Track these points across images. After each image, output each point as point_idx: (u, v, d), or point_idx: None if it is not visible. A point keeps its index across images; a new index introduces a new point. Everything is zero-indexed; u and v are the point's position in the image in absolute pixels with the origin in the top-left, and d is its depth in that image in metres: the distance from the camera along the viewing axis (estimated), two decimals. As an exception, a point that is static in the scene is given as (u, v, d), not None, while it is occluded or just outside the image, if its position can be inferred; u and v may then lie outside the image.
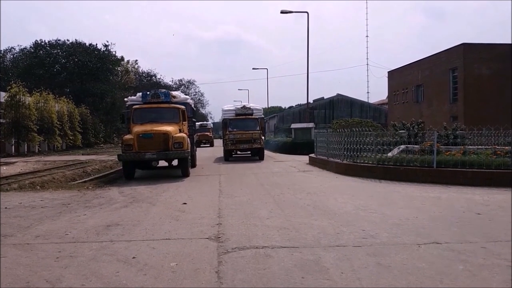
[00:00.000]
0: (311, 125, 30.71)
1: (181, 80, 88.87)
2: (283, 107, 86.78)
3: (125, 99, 16.63)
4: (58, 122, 32.12)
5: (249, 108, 21.32)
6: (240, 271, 4.11)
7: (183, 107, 14.52)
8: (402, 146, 12.37)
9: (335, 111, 52.89)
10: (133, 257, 4.64)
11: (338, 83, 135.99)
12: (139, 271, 4.19)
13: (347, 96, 55.41)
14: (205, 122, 50.72)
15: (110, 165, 18.12)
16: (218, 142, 42.59)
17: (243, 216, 6.82)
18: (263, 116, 23.58)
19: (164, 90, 15.69)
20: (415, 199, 8.20)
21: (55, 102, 33.41)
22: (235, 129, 19.91)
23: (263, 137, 20.63)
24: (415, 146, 12.08)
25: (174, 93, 15.51)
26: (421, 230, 5.59)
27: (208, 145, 41.29)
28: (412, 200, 8.10)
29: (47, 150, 33.43)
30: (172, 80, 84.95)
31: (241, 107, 21.40)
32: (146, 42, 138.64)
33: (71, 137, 34.86)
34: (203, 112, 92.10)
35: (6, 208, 7.92)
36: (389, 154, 11.95)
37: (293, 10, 28.41)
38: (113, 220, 6.72)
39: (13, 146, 29.51)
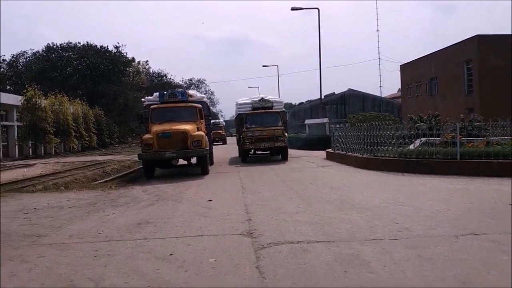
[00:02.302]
0: (325, 120, 30.57)
1: (191, 80, 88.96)
2: (293, 103, 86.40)
3: (142, 99, 16.75)
4: (73, 124, 32.41)
5: (268, 101, 18.40)
6: (280, 266, 4.10)
7: (200, 105, 14.57)
8: (423, 139, 12.26)
9: (346, 106, 52.51)
10: (170, 254, 4.66)
11: (349, 78, 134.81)
12: (179, 268, 4.20)
13: (359, 91, 54.99)
14: (217, 120, 51.02)
15: (128, 164, 18.23)
16: (230, 140, 42.73)
17: (271, 211, 6.81)
18: (284, 109, 20.64)
19: (181, 89, 15.80)
20: (442, 191, 8.11)
21: (69, 104, 33.73)
22: (253, 125, 17.18)
23: (286, 134, 17.86)
24: (436, 138, 11.96)
25: (190, 92, 15.63)
26: (455, 222, 5.53)
27: (221, 143, 41.42)
28: (439, 192, 8.01)
29: (64, 151, 33.77)
30: (182, 80, 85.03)
31: (259, 100, 18.41)
32: (155, 42, 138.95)
33: (86, 138, 35.14)
34: (214, 110, 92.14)
35: (35, 209, 8.01)
36: (411, 147, 11.84)
37: (304, 7, 28.15)
38: (143, 218, 6.77)
39: (30, 149, 29.92)
